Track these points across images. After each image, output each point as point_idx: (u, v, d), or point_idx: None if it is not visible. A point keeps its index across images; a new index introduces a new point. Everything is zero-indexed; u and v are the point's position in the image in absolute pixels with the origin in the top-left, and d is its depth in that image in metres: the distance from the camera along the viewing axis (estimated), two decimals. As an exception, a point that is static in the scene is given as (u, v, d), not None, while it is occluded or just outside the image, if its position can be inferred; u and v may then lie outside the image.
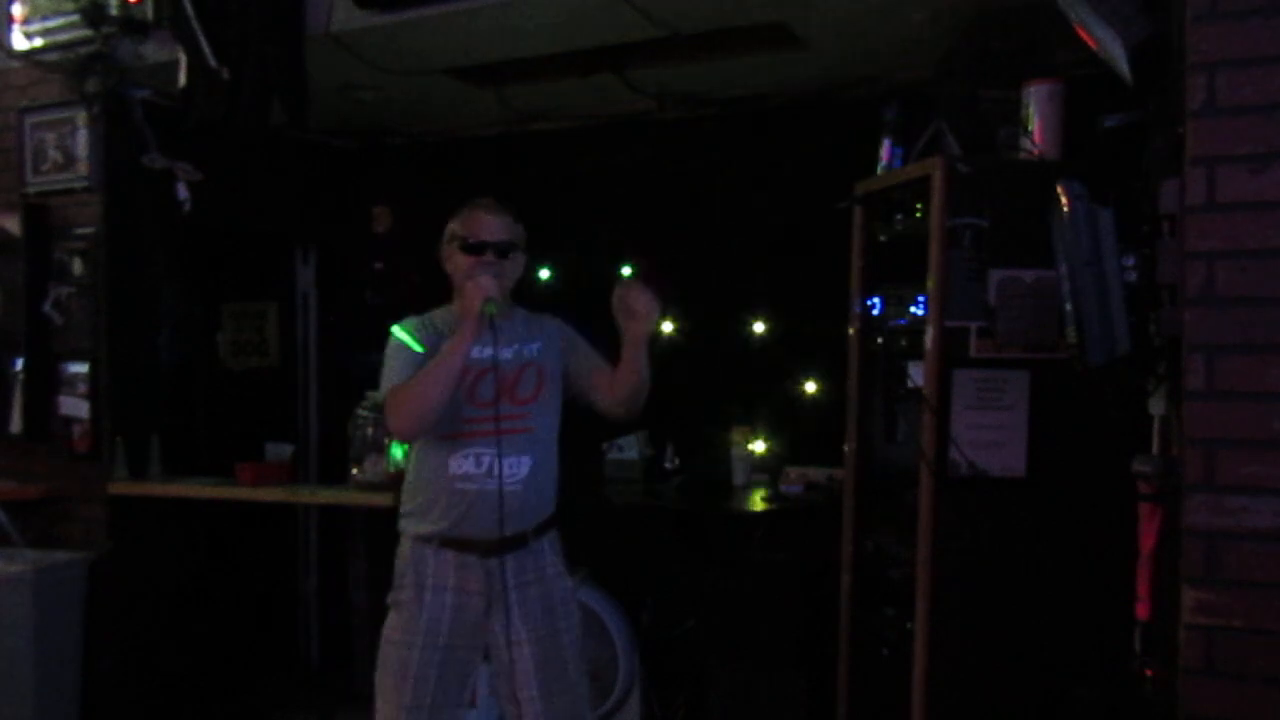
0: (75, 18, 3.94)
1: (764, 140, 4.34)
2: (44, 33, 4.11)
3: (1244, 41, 1.90)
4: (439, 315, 2.70)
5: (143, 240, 4.23)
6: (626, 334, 2.60)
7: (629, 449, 4.48)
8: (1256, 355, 1.88)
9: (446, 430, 2.56)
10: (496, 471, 2.55)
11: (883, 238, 3.21)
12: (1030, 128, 2.89)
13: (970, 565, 2.79)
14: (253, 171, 4.56)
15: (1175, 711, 1.95)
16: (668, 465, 4.46)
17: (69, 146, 4.17)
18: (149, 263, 4.29)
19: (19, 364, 4.26)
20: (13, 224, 4.27)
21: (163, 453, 4.22)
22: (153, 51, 3.94)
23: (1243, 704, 1.88)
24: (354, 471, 3.85)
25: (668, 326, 4.54)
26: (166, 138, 4.07)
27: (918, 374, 2.89)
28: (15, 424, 4.27)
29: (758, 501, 4.01)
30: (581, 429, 2.88)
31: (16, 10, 4.16)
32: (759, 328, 4.43)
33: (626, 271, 4.51)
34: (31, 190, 4.26)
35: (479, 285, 2.49)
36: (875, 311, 3.21)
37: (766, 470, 4.29)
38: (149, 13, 3.85)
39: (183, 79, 3.71)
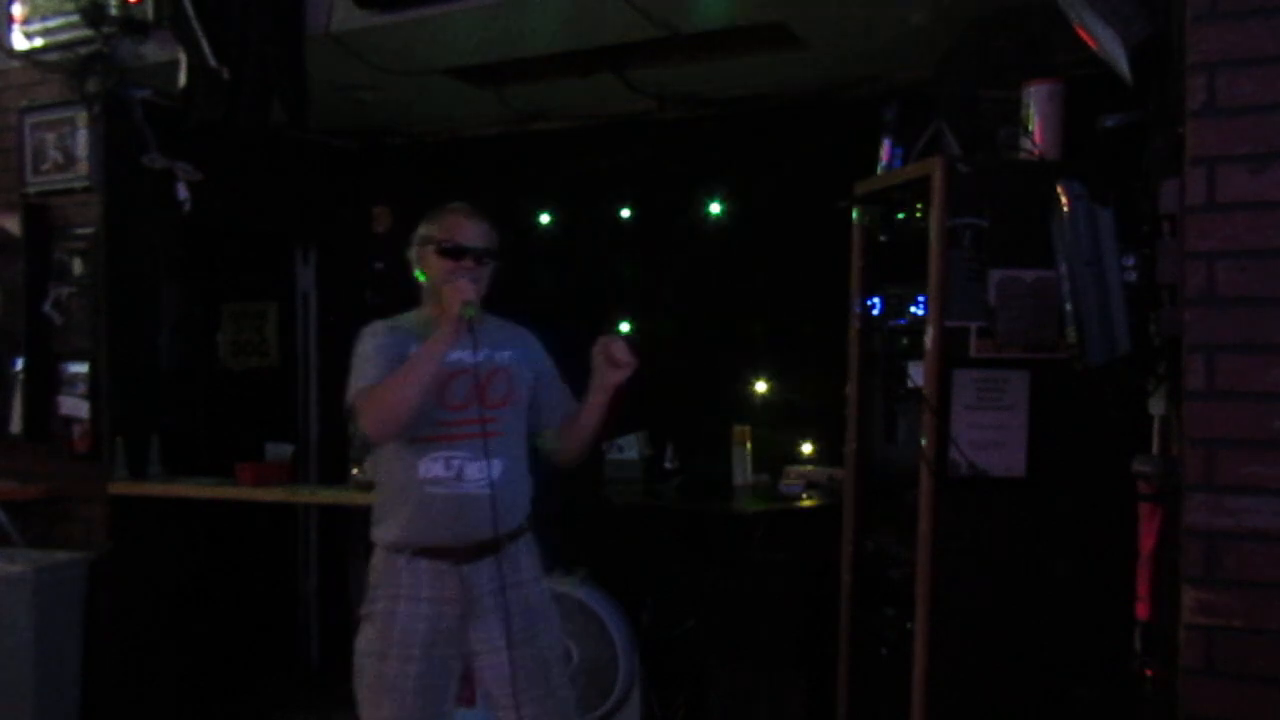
0: (75, 18, 3.94)
1: (764, 140, 4.34)
2: (44, 33, 4.11)
3: (1244, 41, 1.90)
4: (407, 319, 2.69)
5: (143, 240, 4.23)
6: (602, 380, 2.60)
7: (629, 449, 4.48)
8: (1256, 355, 1.88)
9: (416, 433, 2.53)
10: (467, 475, 2.54)
11: (883, 238, 3.21)
12: (1030, 128, 2.88)
13: (970, 565, 2.78)
14: (253, 171, 4.56)
15: (1175, 711, 1.95)
16: (668, 465, 4.46)
17: (69, 146, 4.17)
18: (149, 263, 4.29)
19: (19, 364, 4.26)
20: (13, 224, 4.27)
21: (163, 453, 4.22)
22: (153, 51, 3.94)
23: (1243, 704, 1.88)
24: (354, 471, 3.85)
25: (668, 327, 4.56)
26: (166, 138, 4.08)
27: (918, 374, 2.89)
28: (15, 424, 4.27)
29: (758, 501, 4.01)
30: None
31: (16, 10, 4.16)
32: (759, 328, 4.44)
33: (624, 328, 4.59)
34: (31, 190, 4.26)
35: (459, 289, 2.47)
36: (875, 311, 3.21)
37: (766, 470, 4.29)
38: (149, 13, 3.86)
39: (183, 79, 3.71)
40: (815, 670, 3.56)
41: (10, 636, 3.83)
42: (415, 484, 2.56)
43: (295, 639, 5.11)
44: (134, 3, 3.86)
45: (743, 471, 4.26)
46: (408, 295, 2.77)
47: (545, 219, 4.85)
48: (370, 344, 2.59)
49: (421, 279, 2.67)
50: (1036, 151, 2.86)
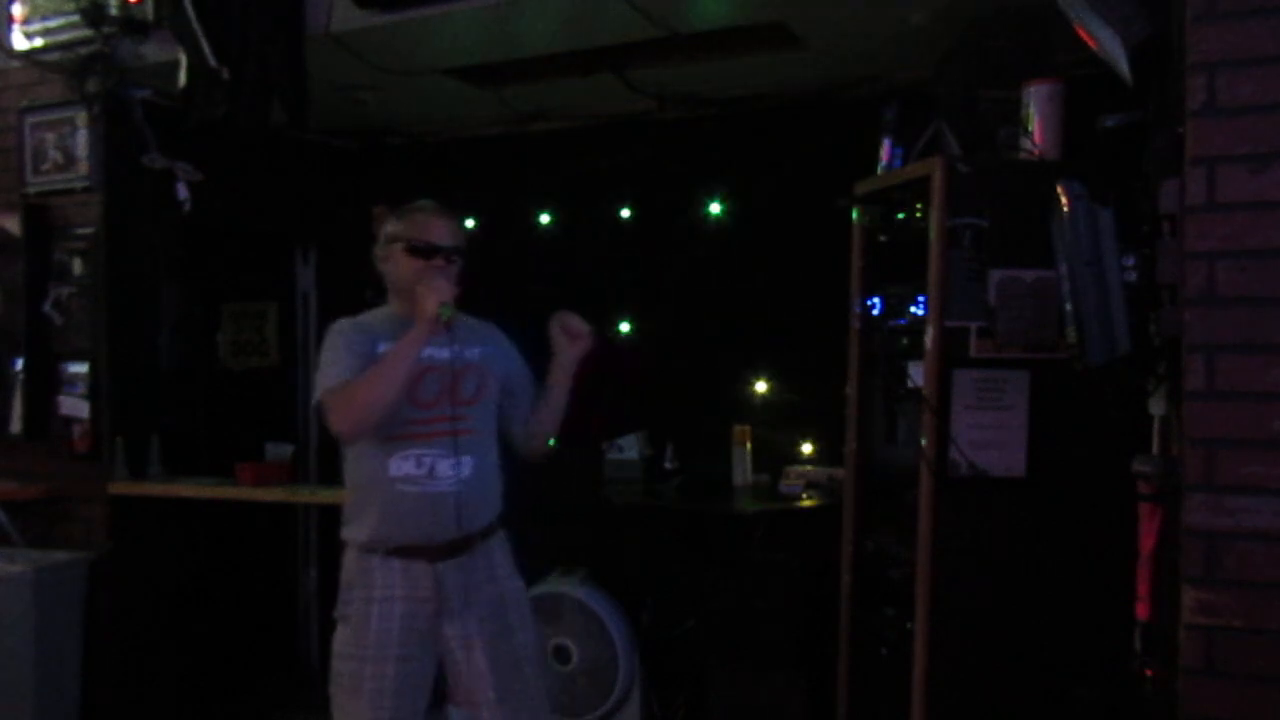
0: (75, 18, 3.94)
1: (764, 140, 4.34)
2: (44, 33, 4.11)
3: (1244, 41, 1.90)
4: (374, 317, 2.69)
5: (143, 240, 4.23)
6: (561, 356, 2.67)
7: (629, 449, 4.48)
8: (1256, 355, 1.88)
9: (386, 432, 2.53)
10: (437, 473, 2.54)
11: (883, 238, 3.21)
12: (1030, 128, 2.88)
13: (970, 565, 2.78)
14: (253, 171, 4.56)
15: (1175, 711, 1.95)
16: (668, 465, 4.46)
17: (69, 146, 4.17)
18: (149, 263, 4.29)
19: (19, 364, 4.25)
20: (13, 224, 4.27)
21: (163, 453, 4.22)
22: (153, 51, 3.94)
23: (1243, 704, 1.88)
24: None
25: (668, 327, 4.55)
26: (166, 138, 4.07)
27: (918, 374, 2.89)
28: (15, 424, 4.27)
29: (757, 501, 4.01)
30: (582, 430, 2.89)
31: (16, 10, 4.17)
32: (759, 328, 4.43)
33: (625, 328, 4.60)
34: (31, 190, 4.26)
35: (435, 289, 2.48)
36: (875, 311, 3.21)
37: (766, 470, 4.29)
38: (149, 13, 3.86)
39: (183, 79, 3.71)
40: (815, 670, 3.56)
41: (10, 636, 3.83)
42: (386, 482, 2.55)
43: (295, 639, 5.11)
44: (134, 3, 3.86)
45: (743, 471, 4.26)
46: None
47: (545, 219, 4.84)
48: (338, 342, 2.58)
49: (388, 277, 2.67)
50: (1036, 151, 2.86)
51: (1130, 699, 2.35)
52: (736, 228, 4.45)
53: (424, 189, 4.72)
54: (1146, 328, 2.15)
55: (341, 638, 2.59)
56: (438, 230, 2.63)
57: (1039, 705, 2.76)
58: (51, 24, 4.08)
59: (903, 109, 3.18)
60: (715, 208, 4.50)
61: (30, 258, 4.22)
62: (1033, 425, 2.77)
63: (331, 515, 4.81)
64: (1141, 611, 2.28)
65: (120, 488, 4.10)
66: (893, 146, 3.17)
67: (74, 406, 4.18)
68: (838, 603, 3.28)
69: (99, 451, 4.13)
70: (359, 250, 5.06)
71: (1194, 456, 1.92)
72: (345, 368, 2.51)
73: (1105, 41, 2.22)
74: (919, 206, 2.94)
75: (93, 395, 4.14)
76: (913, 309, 3.01)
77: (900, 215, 3.08)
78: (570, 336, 2.67)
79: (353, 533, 2.63)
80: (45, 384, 4.23)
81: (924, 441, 2.81)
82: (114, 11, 3.87)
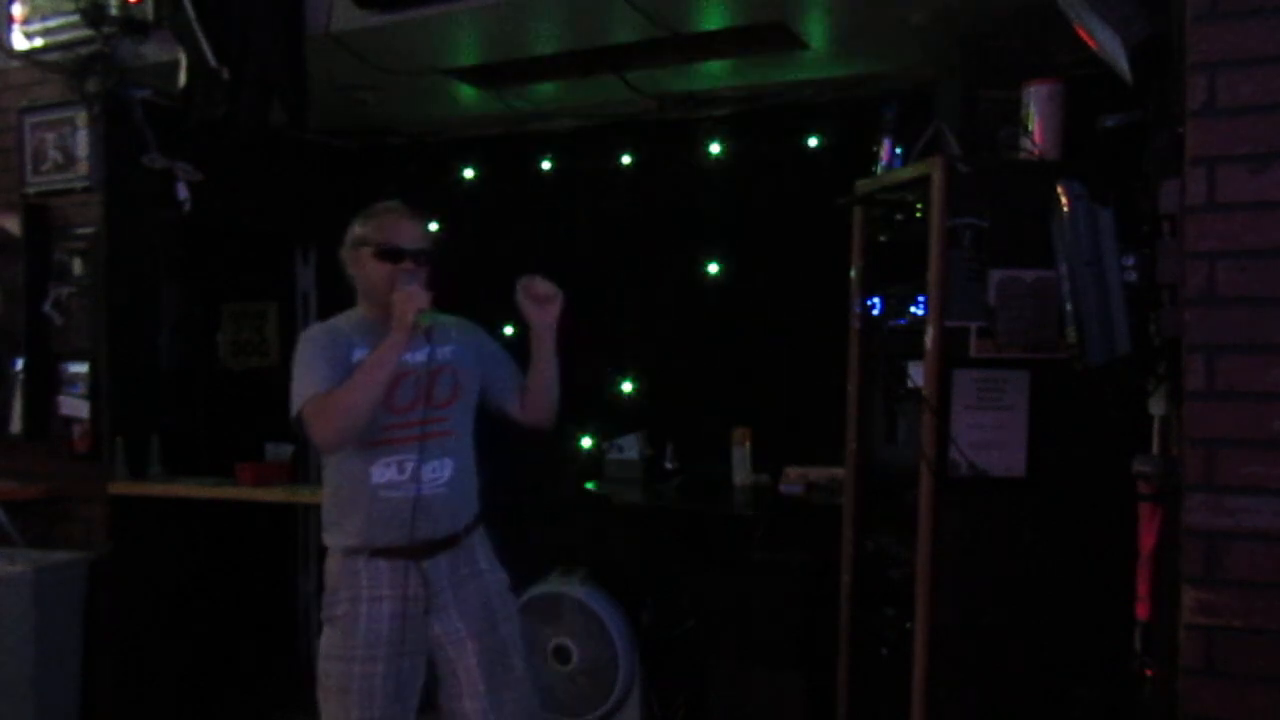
0: (75, 18, 3.94)
1: (764, 140, 4.35)
2: (44, 33, 4.11)
3: (1244, 41, 1.90)
4: (345, 320, 2.66)
5: (143, 240, 4.24)
6: (535, 323, 2.61)
7: (629, 449, 4.47)
8: (1256, 355, 1.88)
9: (365, 438, 2.51)
10: (418, 476, 2.53)
11: (883, 238, 3.21)
12: (1030, 128, 2.88)
13: (970, 565, 2.78)
14: (253, 171, 4.56)
15: (1175, 711, 1.95)
16: (668, 465, 4.46)
17: (69, 146, 4.17)
18: (149, 263, 4.29)
19: (19, 364, 4.26)
20: (13, 224, 4.27)
21: (163, 453, 4.22)
22: (153, 51, 3.94)
23: (1243, 704, 1.88)
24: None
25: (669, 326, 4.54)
26: (166, 138, 4.07)
27: (918, 374, 2.88)
28: (15, 424, 4.27)
29: (757, 502, 4.01)
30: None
31: (16, 10, 4.17)
32: (759, 328, 4.43)
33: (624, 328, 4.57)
34: (31, 190, 4.26)
35: (413, 296, 2.45)
36: (875, 311, 3.21)
37: (766, 470, 4.28)
38: (149, 13, 3.86)
39: (183, 79, 3.70)
40: (815, 670, 3.55)
41: (10, 636, 3.83)
42: (368, 489, 2.54)
43: (295, 639, 5.11)
44: (134, 3, 3.86)
45: (743, 472, 4.26)
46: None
47: (545, 219, 4.84)
48: (311, 350, 2.56)
49: (356, 280, 2.64)
50: (1036, 151, 2.86)
51: (1130, 699, 2.35)
52: (736, 227, 4.45)
53: (424, 189, 4.75)
54: (1146, 328, 2.15)
55: (329, 639, 2.58)
56: (406, 233, 2.59)
57: (1039, 705, 2.75)
58: (51, 24, 4.08)
59: (903, 109, 3.18)
60: (715, 208, 4.50)
61: (30, 258, 4.22)
62: (1033, 425, 2.77)
63: (331, 515, 4.83)
64: (1141, 611, 2.28)
65: (120, 488, 4.10)
66: (893, 146, 3.17)
67: (74, 406, 4.19)
68: (838, 603, 3.28)
69: (99, 451, 4.14)
70: (359, 250, 5.11)
71: (1194, 456, 1.92)
72: (323, 378, 2.49)
73: (1105, 41, 2.22)
74: (919, 206, 2.94)
75: (93, 395, 4.15)
76: (913, 309, 3.01)
77: (900, 215, 3.08)
78: (538, 301, 2.61)
79: (336, 538, 2.61)
80: (45, 384, 4.23)
81: (924, 441, 2.81)
82: (114, 11, 3.87)
